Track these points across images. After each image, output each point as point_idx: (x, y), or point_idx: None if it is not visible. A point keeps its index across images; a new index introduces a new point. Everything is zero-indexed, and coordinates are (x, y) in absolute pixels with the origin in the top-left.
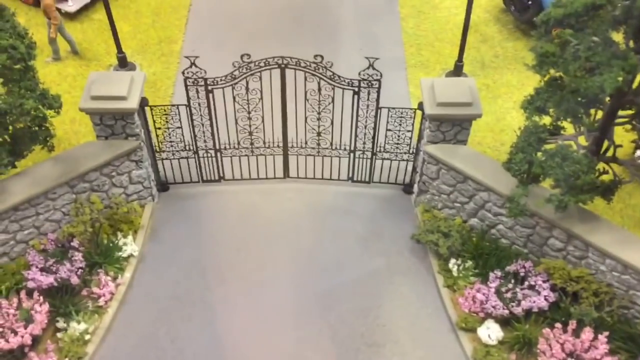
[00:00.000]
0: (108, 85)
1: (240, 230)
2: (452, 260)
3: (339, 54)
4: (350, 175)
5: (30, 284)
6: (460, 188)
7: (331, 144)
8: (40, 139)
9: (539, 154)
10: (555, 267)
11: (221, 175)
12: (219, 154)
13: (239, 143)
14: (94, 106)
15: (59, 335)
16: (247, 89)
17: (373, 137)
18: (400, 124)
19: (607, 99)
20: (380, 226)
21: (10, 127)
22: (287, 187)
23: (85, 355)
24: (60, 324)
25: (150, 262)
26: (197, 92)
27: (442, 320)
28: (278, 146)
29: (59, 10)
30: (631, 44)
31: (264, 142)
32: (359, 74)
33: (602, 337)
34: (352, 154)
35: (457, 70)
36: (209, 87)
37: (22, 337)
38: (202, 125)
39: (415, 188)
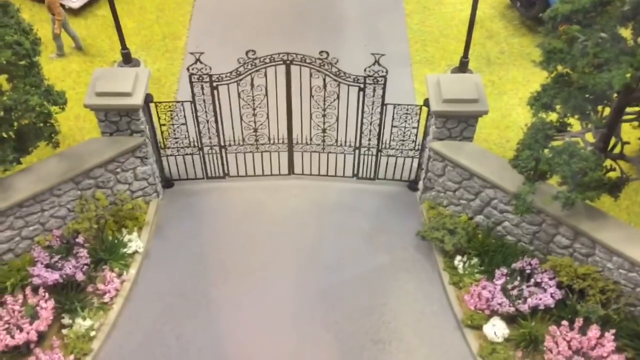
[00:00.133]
0: (113, 81)
1: (244, 226)
2: (458, 258)
3: (344, 50)
4: (355, 172)
5: (36, 281)
6: (466, 185)
7: (336, 140)
8: (45, 135)
9: (546, 150)
10: (562, 265)
11: (226, 171)
12: (223, 151)
13: (243, 139)
14: (99, 102)
15: (64, 331)
16: (252, 85)
17: (378, 134)
18: (405, 121)
19: (615, 95)
20: (385, 223)
21: (15, 124)
22: (292, 184)
23: (91, 351)
24: (66, 320)
25: (155, 259)
26: (202, 88)
27: (447, 317)
28: (283, 143)
29: (63, 6)
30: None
31: (269, 139)
32: (365, 70)
33: (609, 335)
34: (357, 151)
35: (463, 67)
36: (214, 84)
37: (28, 333)
38: (207, 121)
39: (421, 185)
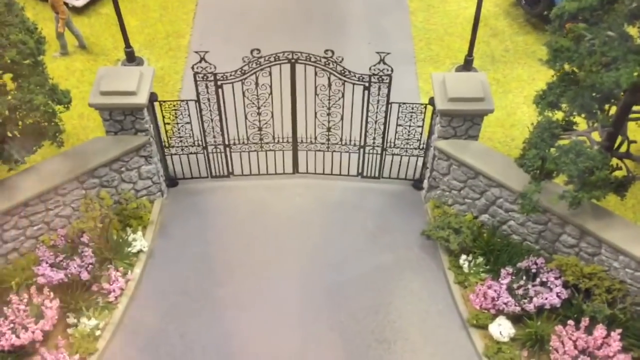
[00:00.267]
0: (117, 80)
1: (249, 225)
2: (463, 257)
3: (348, 48)
4: (360, 170)
5: (41, 280)
6: (471, 184)
7: (341, 139)
8: (49, 134)
9: (552, 149)
10: (568, 264)
11: (230, 170)
12: (228, 150)
13: (248, 138)
14: (103, 102)
15: (69, 331)
16: (256, 84)
17: (383, 133)
18: (410, 119)
19: (622, 94)
20: (390, 222)
21: (20, 123)
22: (296, 183)
23: (96, 351)
24: (71, 319)
25: (159, 258)
26: (207, 87)
27: (453, 317)
28: (287, 141)
29: (66, 4)
30: None
31: (274, 138)
32: (370, 69)
33: (615, 334)
34: (361, 150)
35: (467, 65)
36: (219, 83)
37: (33, 332)
38: (211, 120)
39: (426, 184)
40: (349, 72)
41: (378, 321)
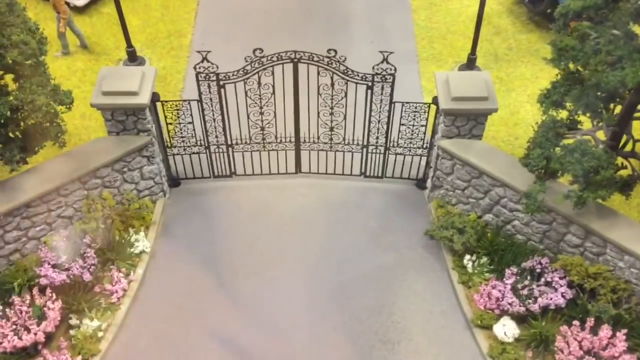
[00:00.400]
0: (119, 80)
1: (252, 225)
2: (467, 257)
3: (350, 47)
4: (363, 170)
5: (43, 281)
6: (475, 183)
7: (344, 138)
8: (51, 135)
9: (557, 149)
10: (573, 264)
11: (233, 170)
12: (230, 149)
13: (250, 138)
14: (106, 102)
15: (71, 332)
16: (259, 83)
17: (386, 132)
18: (414, 119)
19: (627, 93)
20: (393, 222)
21: (22, 123)
22: (299, 183)
23: (99, 352)
24: (73, 321)
25: (162, 259)
26: (209, 87)
27: (457, 317)
28: (290, 141)
29: (67, 3)
30: None
31: (276, 137)
32: (373, 68)
33: (621, 335)
34: (364, 149)
35: (470, 63)
36: (221, 82)
37: (35, 334)
38: (214, 120)
39: (429, 183)
40: (352, 71)
41: (382, 321)
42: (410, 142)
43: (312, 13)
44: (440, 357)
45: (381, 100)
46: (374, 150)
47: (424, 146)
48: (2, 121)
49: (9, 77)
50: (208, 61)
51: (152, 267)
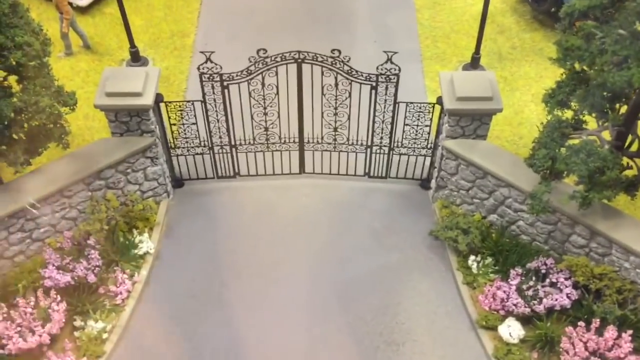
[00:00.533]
0: (123, 81)
1: (255, 226)
2: (472, 257)
3: (353, 46)
4: (367, 170)
5: (47, 283)
6: (479, 184)
7: (348, 139)
8: (55, 136)
9: (563, 149)
10: (578, 264)
11: (236, 171)
12: (234, 150)
13: (254, 139)
14: (109, 103)
15: (76, 334)
16: (263, 84)
17: (390, 132)
18: (418, 119)
19: (633, 93)
20: (397, 222)
21: (26, 125)
22: (303, 183)
23: (104, 354)
24: (78, 322)
25: (166, 260)
26: (213, 87)
27: (462, 318)
28: (294, 142)
29: (70, 4)
30: None
31: (280, 138)
32: (377, 68)
33: (626, 336)
34: (369, 149)
35: (474, 63)
36: (225, 83)
37: (40, 336)
38: (218, 121)
39: (433, 183)
40: (356, 71)
41: (386, 322)
42: (415, 142)
43: (315, 12)
44: (445, 359)
45: (385, 100)
46: (378, 151)
47: (428, 146)
48: (6, 123)
49: (12, 79)
50: (212, 62)
51: (157, 268)
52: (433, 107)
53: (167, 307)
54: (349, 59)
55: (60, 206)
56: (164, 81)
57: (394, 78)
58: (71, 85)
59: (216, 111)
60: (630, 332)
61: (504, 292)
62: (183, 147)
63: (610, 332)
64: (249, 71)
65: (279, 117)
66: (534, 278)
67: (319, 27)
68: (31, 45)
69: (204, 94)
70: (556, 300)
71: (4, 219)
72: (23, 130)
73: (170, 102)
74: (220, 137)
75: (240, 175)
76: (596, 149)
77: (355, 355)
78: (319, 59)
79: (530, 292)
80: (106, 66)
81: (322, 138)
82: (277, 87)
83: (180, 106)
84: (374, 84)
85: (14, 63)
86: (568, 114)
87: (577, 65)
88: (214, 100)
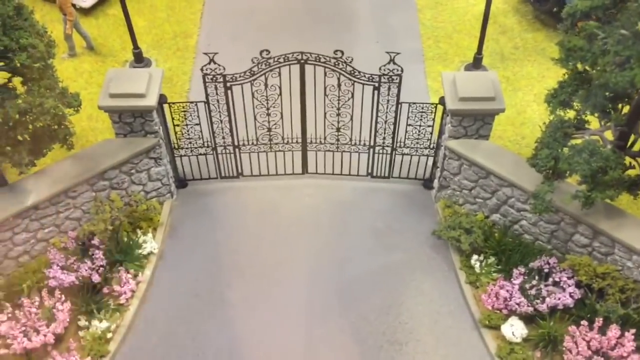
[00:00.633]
0: (126, 82)
1: (258, 226)
2: (474, 257)
3: (355, 46)
4: (370, 170)
5: (52, 283)
6: (482, 183)
7: (350, 139)
8: (59, 137)
9: (565, 149)
10: (581, 264)
11: (239, 171)
12: (237, 150)
13: (257, 139)
14: (113, 104)
15: (80, 333)
16: (266, 84)
17: (393, 133)
18: (420, 119)
19: (635, 93)
20: (400, 222)
21: (30, 126)
22: (306, 183)
23: (108, 353)
24: (82, 322)
25: (169, 260)
26: (216, 88)
27: (464, 317)
28: (297, 142)
29: (74, 5)
30: None
31: (283, 138)
32: (380, 69)
33: (629, 335)
34: (371, 150)
35: (477, 63)
36: (228, 84)
37: (45, 336)
38: (221, 121)
39: (436, 183)
40: (359, 72)
41: (389, 322)
42: (417, 143)
43: (317, 13)
44: (448, 358)
45: (388, 101)
46: (381, 151)
47: (431, 146)
48: (11, 124)
49: (17, 80)
50: (215, 63)
51: (160, 268)
52: (435, 107)
53: (171, 306)
54: (352, 59)
55: (64, 206)
56: (167, 82)
57: (397, 79)
58: (75, 86)
59: (219, 112)
60: (633, 331)
61: (507, 291)
62: (186, 148)
63: (613, 331)
64: (252, 72)
65: (281, 117)
66: (536, 277)
67: (321, 27)
68: (36, 47)
69: (207, 95)
70: (559, 299)
71: (8, 219)
72: (28, 131)
73: (173, 103)
74: (223, 138)
75: (244, 176)
76: (599, 148)
77: (359, 354)
78: (322, 59)
79: (533, 292)
80: (109, 67)
81: (324, 138)
82: (280, 87)
83: (183, 107)
84: (376, 84)
85: (18, 65)
86: (570, 114)
87: (579, 66)
88: (217, 101)
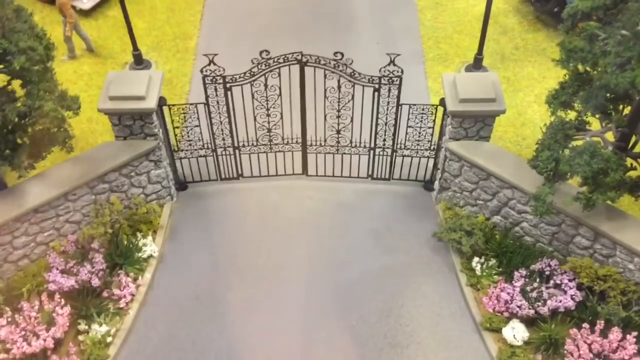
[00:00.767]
0: (126, 85)
1: (259, 228)
2: (475, 259)
3: (356, 47)
4: (370, 172)
5: (51, 286)
6: (483, 185)
7: (351, 141)
8: (59, 140)
9: (566, 151)
10: (582, 266)
11: (240, 172)
12: (237, 152)
13: (257, 140)
14: (113, 107)
15: (80, 337)
16: (265, 85)
17: (393, 134)
18: (421, 121)
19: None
20: (401, 224)
21: (30, 129)
22: (306, 185)
23: (108, 357)
24: (82, 326)
25: (169, 263)
26: (216, 89)
27: (465, 320)
28: (297, 143)
29: (73, 7)
30: None
31: (283, 139)
32: (380, 70)
33: (631, 337)
34: (372, 151)
35: (477, 63)
36: (228, 85)
37: (45, 340)
38: (221, 123)
39: (436, 185)
40: (359, 74)
41: (390, 325)
42: (418, 144)
43: (317, 14)
44: None
45: (388, 102)
46: (381, 153)
47: (432, 148)
48: (10, 127)
49: (16, 83)
50: (215, 64)
51: (160, 272)
52: (436, 108)
53: (171, 310)
54: (352, 61)
55: (64, 210)
56: (167, 84)
57: (397, 80)
58: (74, 88)
59: (219, 113)
60: (634, 333)
61: (508, 293)
62: (186, 150)
63: (615, 333)
64: (252, 73)
65: (281, 118)
66: (537, 279)
67: (321, 28)
68: (35, 49)
69: (207, 96)
70: (560, 301)
71: (8, 222)
72: (27, 134)
73: (173, 105)
74: (223, 139)
75: (244, 177)
76: (600, 150)
77: (359, 357)
78: (322, 61)
79: (534, 294)
80: (109, 69)
81: (325, 140)
82: (280, 88)
83: (183, 109)
84: (376, 86)
85: (17, 68)
86: (571, 115)
87: (580, 67)
88: (217, 102)
